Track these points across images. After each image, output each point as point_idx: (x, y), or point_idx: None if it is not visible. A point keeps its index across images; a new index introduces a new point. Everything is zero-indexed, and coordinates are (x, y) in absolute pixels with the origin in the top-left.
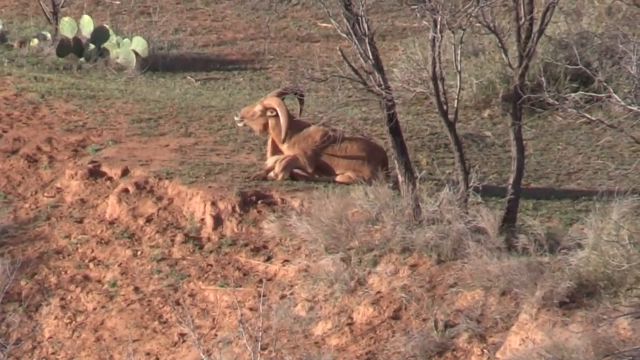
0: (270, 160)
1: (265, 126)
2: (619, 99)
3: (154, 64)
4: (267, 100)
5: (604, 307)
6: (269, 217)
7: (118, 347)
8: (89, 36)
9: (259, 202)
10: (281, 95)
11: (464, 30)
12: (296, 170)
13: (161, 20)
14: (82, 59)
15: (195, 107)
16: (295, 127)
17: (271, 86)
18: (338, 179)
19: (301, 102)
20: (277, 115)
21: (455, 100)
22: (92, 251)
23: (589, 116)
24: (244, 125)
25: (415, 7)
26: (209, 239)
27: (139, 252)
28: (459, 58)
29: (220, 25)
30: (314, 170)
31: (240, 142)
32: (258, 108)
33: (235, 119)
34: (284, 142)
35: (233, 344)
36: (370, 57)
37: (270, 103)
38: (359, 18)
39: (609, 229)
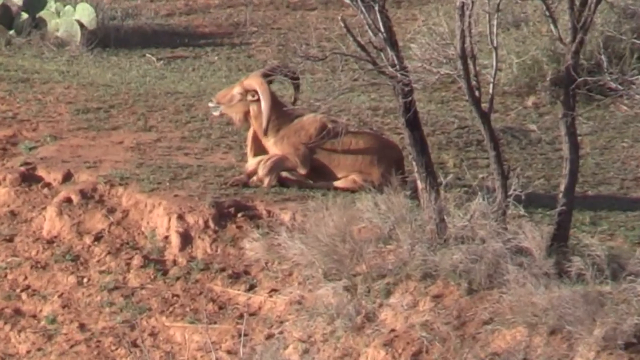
0: (252, 162)
1: (247, 114)
2: None
3: (104, 38)
4: (247, 80)
5: None
6: (252, 235)
7: None
8: (20, 3)
9: (239, 215)
10: (266, 76)
11: None
12: (285, 174)
13: None
14: (11, 32)
15: (157, 93)
16: (284, 116)
17: (255, 67)
18: (339, 183)
19: (295, 86)
20: (258, 100)
21: (491, 85)
22: (25, 278)
23: None
24: (221, 113)
25: None
26: (174, 263)
27: (85, 280)
28: (495, 30)
29: None
30: (309, 172)
31: (215, 139)
32: (237, 90)
33: (210, 105)
34: (266, 133)
35: None
36: (382, 29)
37: (251, 84)
38: None
39: None
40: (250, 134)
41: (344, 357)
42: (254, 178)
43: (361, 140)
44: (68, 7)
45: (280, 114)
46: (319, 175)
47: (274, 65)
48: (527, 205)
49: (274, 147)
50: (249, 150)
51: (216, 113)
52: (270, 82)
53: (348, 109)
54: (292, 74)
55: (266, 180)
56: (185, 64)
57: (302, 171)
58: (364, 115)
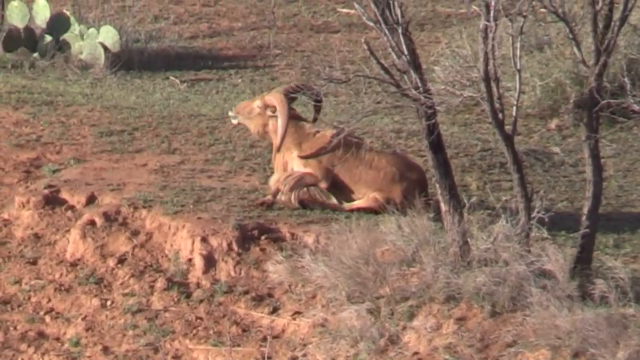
0: (274, 180)
1: (264, 127)
2: None
3: (128, 60)
4: (269, 95)
5: None
6: (276, 257)
7: None
8: (44, 25)
9: (263, 237)
10: (288, 93)
11: (524, 17)
12: (305, 193)
13: (137, 4)
14: (35, 55)
15: (180, 116)
16: (304, 130)
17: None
18: (360, 203)
19: (317, 108)
20: (277, 116)
21: (514, 107)
22: (49, 301)
23: None
24: (239, 123)
25: None
26: (198, 285)
27: (108, 302)
28: (518, 53)
29: (213, 12)
30: (329, 187)
31: (239, 161)
32: (257, 104)
33: (230, 113)
34: (279, 150)
35: None
36: (405, 51)
37: (272, 100)
38: (391, 2)
39: None
40: (274, 149)
41: None
42: (281, 196)
43: (384, 159)
44: (92, 30)
45: (301, 128)
46: (339, 191)
47: (297, 85)
48: (550, 228)
49: (297, 160)
50: (274, 164)
51: (234, 122)
52: (291, 101)
53: (371, 131)
54: (315, 95)
55: (292, 196)
56: (208, 87)
57: (323, 185)
58: (388, 137)
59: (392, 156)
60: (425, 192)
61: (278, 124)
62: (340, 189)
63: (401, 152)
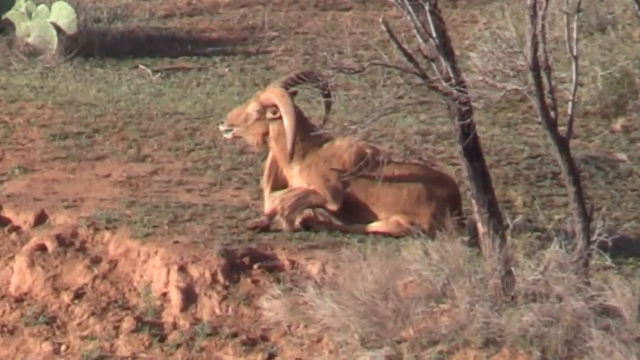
0: (270, 199)
1: (265, 136)
2: None
3: (87, 45)
4: (265, 94)
5: None
6: (271, 291)
7: None
8: None
9: (255, 266)
10: (288, 86)
11: None
12: (308, 212)
13: None
14: None
15: (152, 114)
16: (311, 140)
17: (275, 80)
18: (379, 226)
19: (326, 104)
20: (280, 117)
21: (570, 104)
22: None
23: None
24: (234, 137)
25: None
26: (174, 326)
27: (62, 347)
28: (574, 36)
29: None
30: (340, 209)
31: (225, 171)
32: (253, 107)
33: (221, 128)
34: (291, 158)
35: None
36: (433, 33)
37: (270, 98)
38: None
39: None
40: (267, 162)
41: None
42: (279, 218)
43: (407, 172)
44: (41, 7)
45: (307, 137)
46: (352, 215)
47: (297, 75)
48: (614, 254)
49: (298, 177)
50: (265, 182)
51: (228, 136)
52: (293, 95)
53: (391, 133)
54: (322, 88)
55: (288, 221)
56: (187, 78)
57: (332, 207)
58: (411, 141)
59: (416, 168)
60: (459, 209)
61: (285, 125)
62: (353, 213)
63: (428, 160)
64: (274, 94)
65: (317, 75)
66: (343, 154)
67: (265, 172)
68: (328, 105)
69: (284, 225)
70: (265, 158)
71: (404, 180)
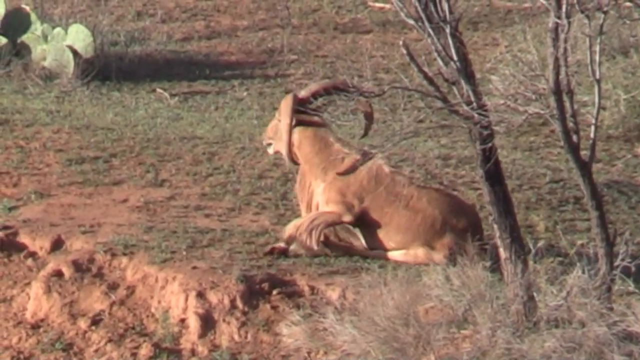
0: (290, 225)
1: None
2: None
3: (104, 68)
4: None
5: None
6: (291, 317)
7: None
8: None
9: (275, 292)
10: (317, 96)
11: (605, 13)
12: (333, 240)
13: None
14: None
15: (170, 139)
16: (333, 155)
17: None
18: (397, 256)
19: (367, 120)
20: (298, 125)
21: (592, 127)
22: None
23: None
24: (275, 151)
25: None
26: (193, 353)
27: None
28: (597, 59)
29: (212, 6)
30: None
31: (244, 196)
32: (277, 117)
33: (264, 142)
34: (290, 161)
35: None
36: (454, 56)
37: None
38: None
39: None
40: (298, 178)
41: None
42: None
43: (425, 198)
44: (58, 30)
45: (327, 148)
46: (366, 232)
47: (328, 83)
48: (638, 280)
49: (322, 194)
50: (299, 198)
51: (270, 151)
52: (323, 109)
53: (412, 157)
54: (362, 105)
55: (306, 247)
56: (206, 102)
57: (347, 219)
58: (432, 165)
59: (436, 195)
60: (480, 235)
61: (280, 127)
62: (368, 229)
63: (449, 185)
64: (282, 102)
65: (347, 86)
66: (361, 172)
67: (297, 186)
68: (368, 121)
69: (303, 250)
70: (284, 182)
71: (420, 204)
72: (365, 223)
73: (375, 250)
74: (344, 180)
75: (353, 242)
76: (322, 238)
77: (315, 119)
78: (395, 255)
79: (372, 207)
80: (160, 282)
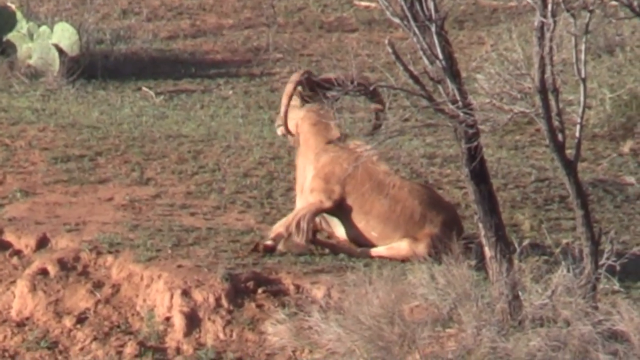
0: (278, 225)
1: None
2: None
3: (89, 67)
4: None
5: None
6: (276, 315)
7: None
8: None
9: (260, 290)
10: (313, 83)
11: (590, 12)
12: (322, 240)
13: None
14: None
15: (155, 137)
16: (329, 143)
17: (279, 102)
18: (381, 252)
19: (377, 108)
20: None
21: (578, 126)
22: None
23: None
24: (282, 133)
25: None
26: (178, 351)
27: None
28: (582, 58)
29: (197, 5)
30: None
31: (229, 194)
32: (288, 89)
33: (276, 124)
34: (285, 130)
35: None
36: (440, 55)
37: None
38: None
39: None
40: (297, 161)
41: None
42: (296, 238)
43: (407, 189)
44: (43, 28)
45: (326, 131)
46: (345, 220)
47: (333, 77)
48: (623, 278)
49: (310, 182)
50: (296, 183)
51: (280, 133)
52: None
53: (397, 156)
54: (372, 94)
55: (298, 240)
56: (191, 100)
57: (327, 204)
58: (417, 164)
59: (418, 188)
60: (459, 231)
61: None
62: (348, 219)
63: (434, 184)
64: (292, 79)
65: (360, 79)
66: (348, 157)
67: (296, 171)
68: (378, 109)
69: (294, 249)
70: (269, 181)
71: (401, 194)
72: (345, 211)
73: (357, 242)
74: (330, 165)
75: (335, 232)
76: (310, 232)
77: (324, 107)
78: (380, 250)
79: (353, 194)
80: (146, 280)
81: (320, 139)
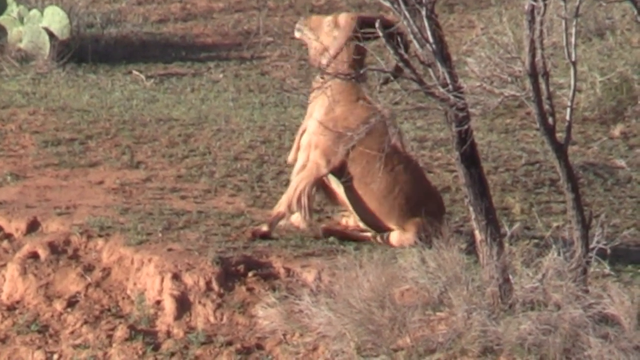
0: (279, 203)
1: (322, 52)
2: None
3: (80, 50)
4: (342, 15)
5: None
6: (267, 299)
7: None
8: None
9: (250, 273)
10: (365, 22)
11: None
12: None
13: None
14: None
15: (146, 120)
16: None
17: (270, 86)
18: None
19: (400, 40)
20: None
21: (568, 110)
22: None
23: None
24: (301, 37)
25: None
26: (168, 335)
27: (55, 356)
28: (573, 41)
29: None
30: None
31: (220, 178)
32: (328, 19)
33: (297, 25)
34: (327, 63)
35: None
36: (430, 39)
37: (341, 19)
38: None
39: None
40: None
41: None
42: (297, 219)
43: (409, 169)
44: (34, 12)
45: (353, 86)
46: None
47: (375, 16)
48: (613, 262)
49: (314, 133)
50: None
51: (297, 34)
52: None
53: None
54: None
55: (303, 215)
56: (181, 84)
57: (323, 170)
58: (408, 147)
59: (419, 172)
60: (441, 213)
61: (335, 43)
62: (348, 183)
63: (424, 167)
64: (345, 18)
65: (390, 21)
66: (358, 116)
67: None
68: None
69: (301, 224)
70: (260, 165)
71: (402, 177)
72: (345, 175)
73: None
74: (340, 121)
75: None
76: (312, 209)
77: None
78: (392, 238)
79: (356, 160)
80: (136, 264)
81: (355, 91)
